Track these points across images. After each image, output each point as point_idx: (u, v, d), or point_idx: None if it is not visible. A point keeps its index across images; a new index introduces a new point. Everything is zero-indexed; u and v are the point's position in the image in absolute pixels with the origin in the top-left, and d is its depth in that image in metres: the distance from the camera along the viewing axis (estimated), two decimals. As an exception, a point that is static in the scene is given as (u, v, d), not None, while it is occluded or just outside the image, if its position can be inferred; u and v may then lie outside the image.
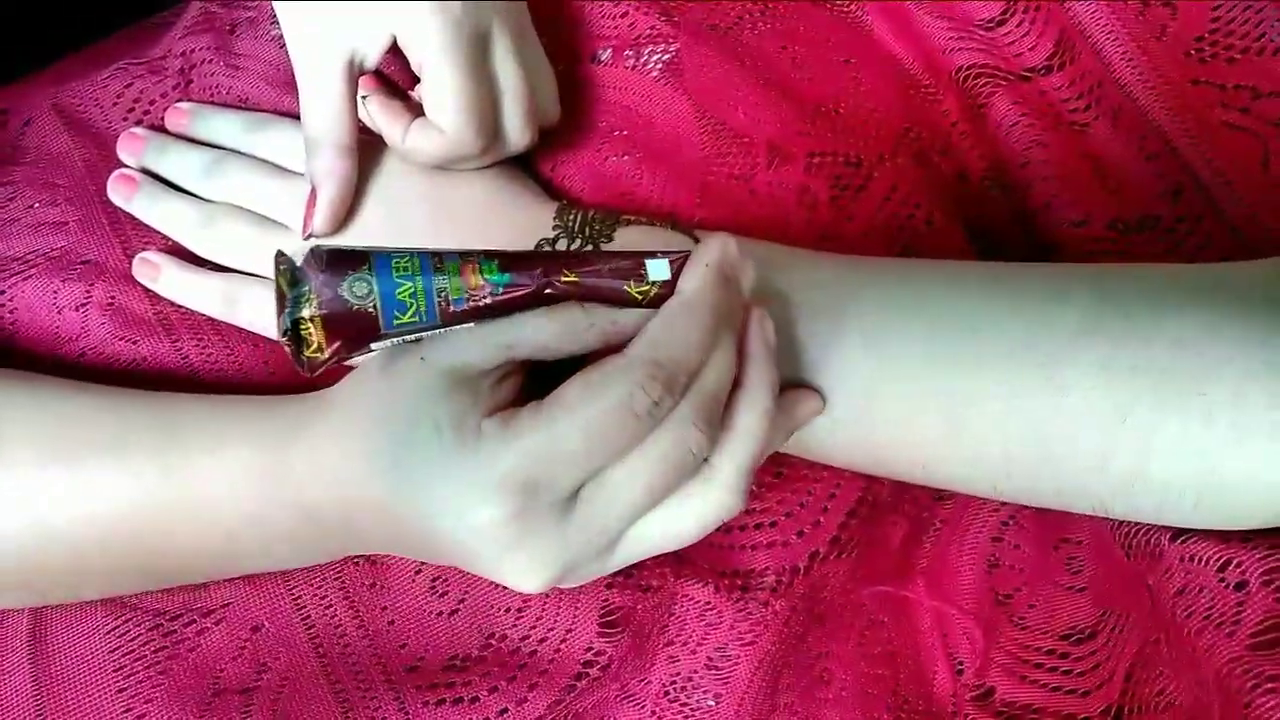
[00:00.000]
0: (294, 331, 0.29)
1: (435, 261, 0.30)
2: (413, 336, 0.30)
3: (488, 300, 0.30)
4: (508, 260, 0.30)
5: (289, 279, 0.29)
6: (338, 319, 0.29)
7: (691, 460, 0.29)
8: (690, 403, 0.29)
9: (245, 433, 0.34)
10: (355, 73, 0.38)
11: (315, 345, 0.29)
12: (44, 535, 0.34)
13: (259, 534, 0.34)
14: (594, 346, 0.31)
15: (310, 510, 0.33)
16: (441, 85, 0.37)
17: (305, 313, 0.29)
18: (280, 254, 0.30)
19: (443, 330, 0.30)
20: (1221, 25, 0.40)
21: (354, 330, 0.29)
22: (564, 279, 0.30)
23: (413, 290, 0.29)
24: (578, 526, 0.29)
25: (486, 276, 0.30)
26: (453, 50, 0.36)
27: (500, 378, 0.31)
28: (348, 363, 0.30)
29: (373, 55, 0.38)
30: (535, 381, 0.32)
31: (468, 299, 0.30)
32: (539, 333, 0.30)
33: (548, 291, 0.30)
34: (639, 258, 0.31)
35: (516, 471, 0.28)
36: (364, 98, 0.39)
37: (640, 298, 0.31)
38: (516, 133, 0.39)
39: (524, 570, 0.29)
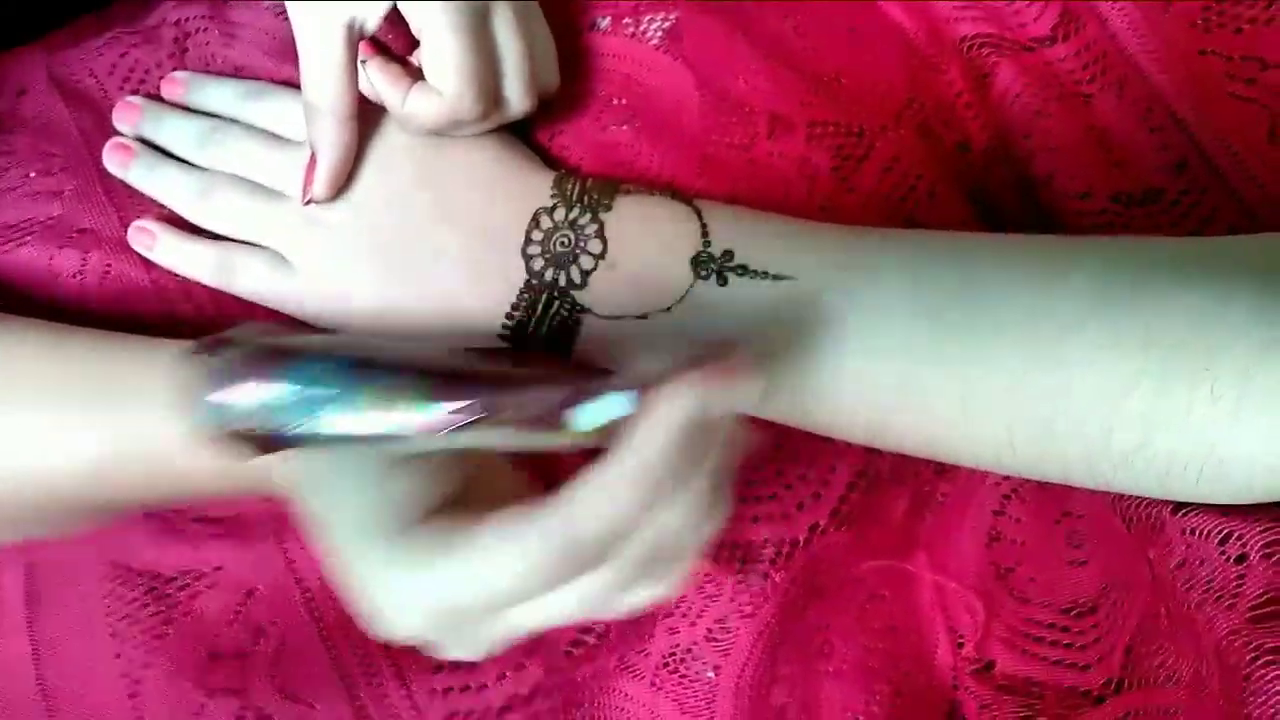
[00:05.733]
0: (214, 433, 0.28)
1: (362, 376, 0.27)
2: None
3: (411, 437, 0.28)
4: (441, 387, 0.27)
5: (207, 380, 0.28)
6: (252, 437, 0.28)
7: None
8: (619, 564, 0.26)
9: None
10: (355, 38, 0.37)
11: (233, 450, 0.28)
12: None
13: (220, 476, 0.34)
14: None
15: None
16: (441, 50, 0.36)
17: (220, 424, 0.28)
18: (199, 345, 0.28)
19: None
20: (1229, -5, 0.39)
21: (270, 443, 0.28)
22: (499, 417, 0.27)
23: (337, 407, 0.27)
24: (476, 628, 0.28)
25: (416, 409, 0.27)
26: (453, 15, 0.36)
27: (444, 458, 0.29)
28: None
29: (373, 21, 0.37)
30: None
31: (394, 429, 0.27)
32: (481, 440, 0.28)
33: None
34: (586, 389, 0.26)
35: (439, 602, 0.27)
36: (363, 62, 0.39)
37: (580, 439, 0.27)
38: (516, 98, 0.39)
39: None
